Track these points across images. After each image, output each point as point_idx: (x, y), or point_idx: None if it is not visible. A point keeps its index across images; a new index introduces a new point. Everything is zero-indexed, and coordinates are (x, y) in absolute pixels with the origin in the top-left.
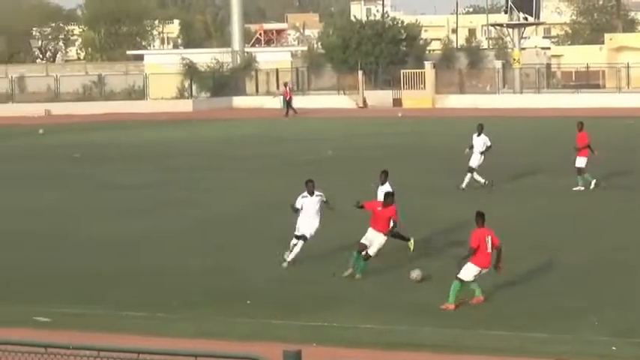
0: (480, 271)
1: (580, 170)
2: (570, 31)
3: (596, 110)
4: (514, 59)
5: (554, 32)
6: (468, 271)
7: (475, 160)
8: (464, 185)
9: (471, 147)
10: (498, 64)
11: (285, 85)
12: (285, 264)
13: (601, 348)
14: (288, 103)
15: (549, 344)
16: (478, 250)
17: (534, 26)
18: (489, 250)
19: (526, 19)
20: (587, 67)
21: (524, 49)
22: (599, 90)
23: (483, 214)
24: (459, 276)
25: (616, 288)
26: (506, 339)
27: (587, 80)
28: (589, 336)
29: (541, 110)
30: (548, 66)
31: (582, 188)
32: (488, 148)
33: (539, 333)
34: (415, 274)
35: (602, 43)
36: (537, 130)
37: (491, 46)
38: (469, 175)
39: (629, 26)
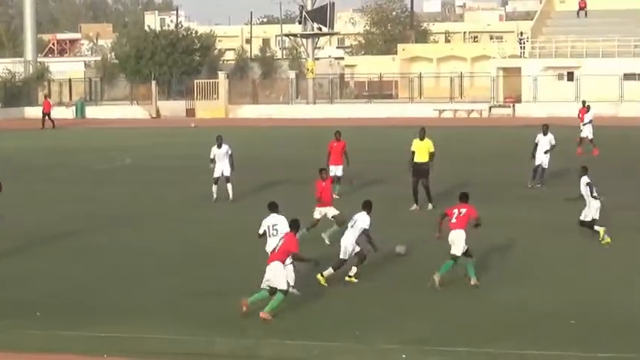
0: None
1: (339, 179)
2: (364, 42)
3: (389, 120)
4: (308, 69)
5: (347, 42)
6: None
7: (227, 169)
8: (231, 197)
9: (213, 159)
10: (292, 74)
11: (45, 97)
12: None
13: (393, 356)
14: (47, 115)
15: (347, 354)
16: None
17: (328, 36)
18: (275, 250)
19: (320, 29)
20: (381, 78)
21: (317, 59)
22: (392, 100)
23: (297, 221)
24: None
25: (414, 297)
26: (304, 348)
27: (381, 90)
28: (383, 345)
29: (334, 120)
30: (342, 76)
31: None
32: (230, 156)
33: (338, 342)
34: (400, 248)
35: (396, 53)
36: (327, 139)
37: (285, 57)
38: (229, 184)
39: (422, 37)
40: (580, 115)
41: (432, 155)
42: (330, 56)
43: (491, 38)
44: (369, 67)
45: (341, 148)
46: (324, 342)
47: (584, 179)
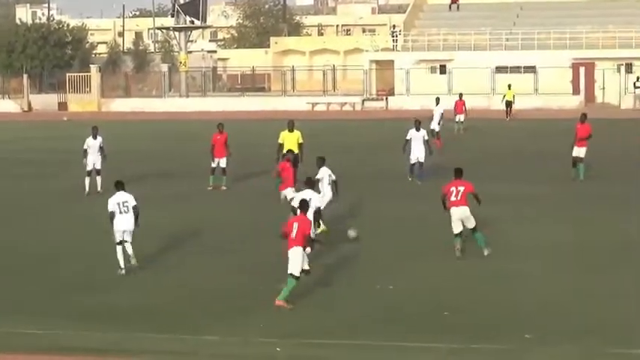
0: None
1: (224, 170)
2: (237, 35)
3: (262, 113)
4: (180, 63)
5: (220, 35)
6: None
7: (99, 162)
8: (100, 189)
9: (86, 150)
10: (165, 67)
11: None
12: None
13: (267, 349)
14: None
15: (220, 346)
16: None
17: (201, 30)
18: (293, 236)
19: (192, 22)
20: (253, 70)
21: (190, 52)
22: (265, 93)
23: (307, 202)
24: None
25: (304, 289)
26: (176, 342)
27: (253, 83)
28: (256, 337)
29: (207, 113)
30: (215, 69)
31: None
32: (101, 148)
33: (211, 335)
34: (353, 232)
35: (268, 46)
36: (203, 133)
37: (157, 50)
38: (99, 177)
39: (295, 30)
40: (456, 108)
41: (301, 146)
42: (202, 49)
43: (363, 31)
44: (242, 60)
45: (224, 140)
46: (199, 335)
47: (326, 169)
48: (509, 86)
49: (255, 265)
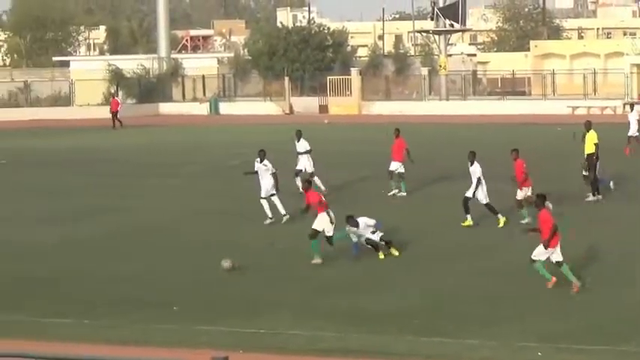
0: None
1: (393, 173)
2: (496, 38)
3: (522, 117)
4: (440, 66)
5: (480, 39)
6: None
7: (308, 165)
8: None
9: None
10: (425, 70)
11: (113, 96)
12: None
13: (528, 353)
14: (114, 115)
15: (478, 350)
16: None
17: (460, 33)
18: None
19: (452, 25)
20: (513, 74)
21: (450, 55)
22: (525, 97)
23: (544, 196)
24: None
25: (541, 295)
26: (438, 345)
27: (513, 87)
28: (515, 342)
29: (467, 117)
30: (475, 73)
31: (397, 192)
32: (308, 151)
33: (468, 339)
34: (226, 263)
35: (528, 50)
36: (463, 136)
37: (417, 53)
38: (298, 178)
39: (555, 33)
40: None
41: (596, 146)
42: (462, 53)
43: (624, 34)
44: (502, 63)
45: (401, 145)
46: (455, 339)
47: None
48: None
49: (501, 269)
